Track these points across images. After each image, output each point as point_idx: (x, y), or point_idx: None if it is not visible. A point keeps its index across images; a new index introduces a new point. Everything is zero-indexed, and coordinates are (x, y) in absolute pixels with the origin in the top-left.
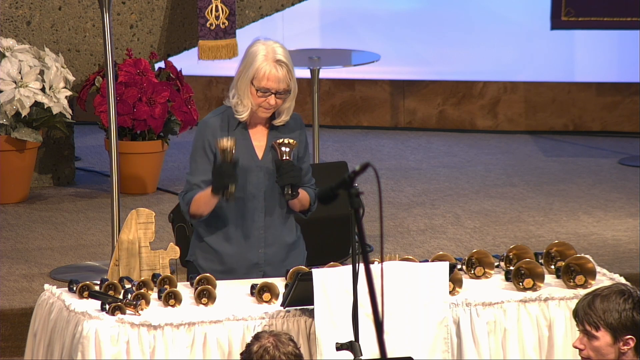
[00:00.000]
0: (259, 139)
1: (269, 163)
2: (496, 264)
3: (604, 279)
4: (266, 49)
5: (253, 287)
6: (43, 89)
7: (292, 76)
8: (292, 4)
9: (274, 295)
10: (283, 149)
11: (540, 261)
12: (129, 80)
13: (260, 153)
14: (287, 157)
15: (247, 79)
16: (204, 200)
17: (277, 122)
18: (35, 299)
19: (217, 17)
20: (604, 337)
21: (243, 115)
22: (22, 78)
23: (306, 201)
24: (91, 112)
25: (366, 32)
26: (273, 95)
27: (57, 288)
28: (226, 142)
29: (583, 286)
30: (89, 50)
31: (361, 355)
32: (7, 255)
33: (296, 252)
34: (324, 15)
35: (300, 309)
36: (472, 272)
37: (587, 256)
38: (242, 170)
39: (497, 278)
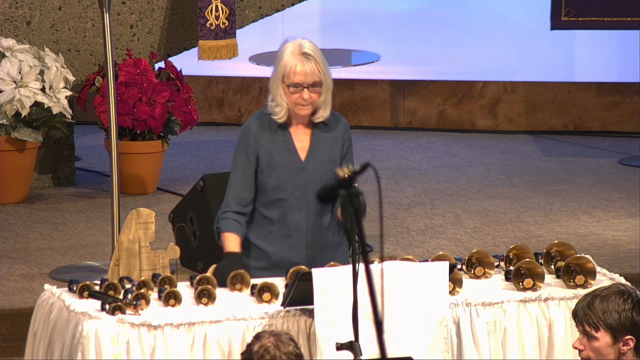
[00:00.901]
0: (301, 139)
1: (312, 164)
2: (496, 264)
3: (604, 279)
4: (293, 45)
5: (253, 287)
6: (43, 89)
7: (322, 68)
8: (292, 4)
9: (274, 295)
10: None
11: (540, 261)
12: (129, 80)
13: (303, 154)
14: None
15: (278, 79)
16: (223, 244)
17: (317, 118)
18: (35, 299)
19: (217, 17)
20: (603, 338)
21: (280, 115)
22: (22, 78)
23: None
24: (91, 112)
25: (366, 32)
26: (306, 90)
27: (57, 288)
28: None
29: (583, 286)
30: (89, 50)
31: (361, 355)
32: (7, 255)
33: (338, 254)
34: (324, 15)
35: (300, 309)
36: (472, 272)
37: (587, 256)
38: (284, 170)
39: (497, 278)
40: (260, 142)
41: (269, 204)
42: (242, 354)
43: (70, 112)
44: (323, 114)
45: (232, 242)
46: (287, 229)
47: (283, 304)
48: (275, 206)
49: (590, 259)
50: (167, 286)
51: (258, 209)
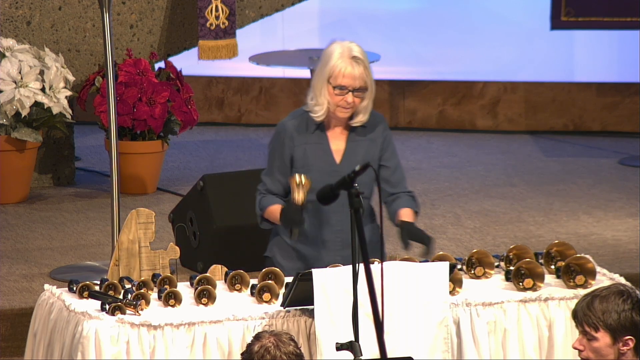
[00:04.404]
0: (337, 143)
1: (347, 167)
2: (496, 264)
3: (604, 279)
4: (342, 47)
5: (253, 287)
6: (43, 89)
7: (369, 74)
8: (292, 4)
9: (274, 295)
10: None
11: (540, 261)
12: (129, 80)
13: (338, 157)
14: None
15: (324, 78)
16: (273, 217)
17: (355, 122)
18: (35, 299)
19: (217, 17)
20: (603, 338)
21: (319, 114)
22: (22, 78)
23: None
24: (91, 112)
25: (366, 32)
26: (350, 93)
27: (57, 288)
28: (299, 180)
29: (583, 286)
30: (89, 50)
31: (361, 355)
32: (7, 255)
33: (374, 254)
34: (323, 15)
35: (300, 309)
36: (472, 272)
37: (587, 256)
38: (318, 173)
39: (497, 278)
40: (295, 142)
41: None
42: (242, 354)
43: (70, 112)
44: (362, 119)
45: (278, 211)
46: (322, 231)
47: (283, 304)
48: (310, 207)
49: (590, 259)
50: (167, 286)
51: None
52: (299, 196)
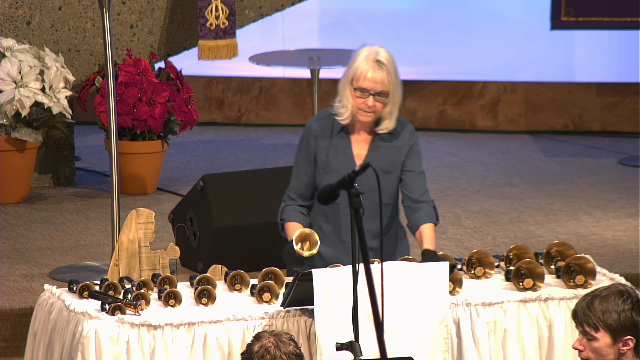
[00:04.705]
0: (359, 147)
1: (367, 172)
2: (496, 264)
3: (604, 279)
4: (369, 51)
5: (253, 287)
6: (43, 89)
7: (393, 80)
8: (292, 4)
9: (274, 295)
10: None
11: (540, 261)
12: (129, 80)
13: (359, 162)
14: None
15: (347, 80)
16: (289, 234)
17: (380, 129)
18: (35, 299)
19: (217, 17)
20: (603, 338)
21: (344, 116)
22: (22, 78)
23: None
24: (91, 112)
25: (366, 32)
26: (372, 97)
27: (57, 288)
28: (305, 235)
29: (583, 286)
30: (89, 50)
31: (361, 355)
32: (7, 255)
33: (395, 255)
34: (323, 15)
35: (300, 309)
36: (472, 272)
37: (587, 256)
38: (338, 176)
39: (497, 278)
40: (319, 143)
41: None
42: (242, 354)
43: (70, 112)
44: (387, 126)
45: (292, 232)
46: (340, 233)
47: (283, 304)
48: (330, 208)
49: (590, 259)
50: (167, 286)
51: (314, 213)
52: (302, 252)
